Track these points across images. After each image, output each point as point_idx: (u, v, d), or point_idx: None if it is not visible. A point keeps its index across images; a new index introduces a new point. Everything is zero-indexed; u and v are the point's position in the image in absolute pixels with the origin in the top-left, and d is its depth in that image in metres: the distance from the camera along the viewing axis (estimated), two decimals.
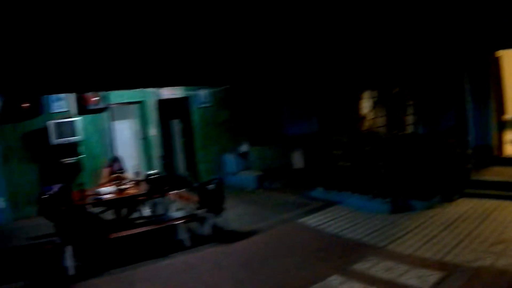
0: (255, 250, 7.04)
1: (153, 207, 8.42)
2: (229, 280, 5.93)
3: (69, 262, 6.54)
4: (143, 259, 6.87)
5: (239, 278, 5.96)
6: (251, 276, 5.99)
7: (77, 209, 6.97)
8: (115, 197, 7.48)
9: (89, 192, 7.71)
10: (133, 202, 8.12)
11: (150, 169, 10.14)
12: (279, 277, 5.86)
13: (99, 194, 7.40)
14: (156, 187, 7.51)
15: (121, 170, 8.49)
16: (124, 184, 7.76)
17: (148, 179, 7.61)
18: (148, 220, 8.23)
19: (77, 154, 10.53)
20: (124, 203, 8.04)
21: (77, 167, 10.53)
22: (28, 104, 10.28)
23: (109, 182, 8.00)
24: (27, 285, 6.45)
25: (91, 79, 8.94)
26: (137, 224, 8.20)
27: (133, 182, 8.01)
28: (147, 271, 6.54)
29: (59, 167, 10.32)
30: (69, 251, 6.55)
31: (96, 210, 8.07)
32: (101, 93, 10.57)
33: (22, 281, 6.55)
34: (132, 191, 7.48)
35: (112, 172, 8.38)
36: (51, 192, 7.46)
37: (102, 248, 7.14)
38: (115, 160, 8.77)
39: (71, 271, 6.51)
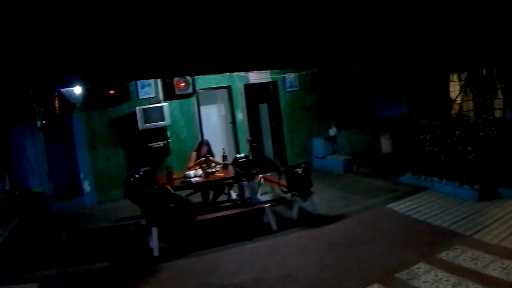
0: (341, 235, 7.41)
1: (240, 190, 9.24)
2: (315, 265, 6.26)
3: (155, 243, 7.30)
4: (229, 242, 7.49)
5: (324, 263, 6.31)
6: (336, 262, 6.31)
7: (163, 191, 7.50)
8: (202, 181, 8.36)
9: (176, 175, 8.62)
10: (220, 185, 9.09)
11: (238, 152, 10.71)
12: (365, 263, 6.13)
13: (186, 177, 8.26)
14: (244, 170, 8.17)
15: (209, 153, 9.35)
16: (211, 167, 8.72)
17: (236, 162, 8.47)
18: (235, 203, 9.21)
19: (164, 139, 11.63)
20: (211, 186, 9.03)
21: (164, 151, 11.68)
22: (114, 91, 11.49)
23: (197, 165, 9.00)
24: (113, 265, 7.18)
25: (178, 64, 9.46)
26: (223, 207, 9.24)
27: (221, 165, 8.92)
28: (233, 254, 7.05)
29: (147, 152, 11.49)
30: (154, 233, 7.28)
31: (184, 193, 8.69)
32: (189, 79, 11.73)
33: (108, 261, 7.30)
34: (219, 175, 8.32)
35: (200, 156, 9.33)
36: (138, 175, 8.24)
37: (188, 231, 7.93)
38: (203, 143, 9.61)
39: (156, 252, 7.27)
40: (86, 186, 11.66)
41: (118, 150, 11.84)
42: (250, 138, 11.69)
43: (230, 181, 8.86)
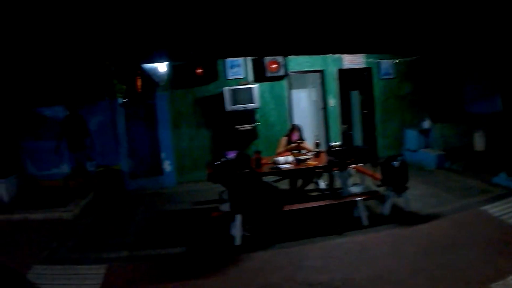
0: (435, 237, 7.21)
1: (331, 180, 9.20)
2: (407, 268, 6.10)
3: (238, 231, 7.31)
4: (315, 235, 7.44)
5: (417, 266, 6.14)
6: (429, 266, 6.11)
7: (254, 176, 7.59)
8: (292, 168, 8.36)
9: (265, 161, 8.70)
10: (311, 174, 9.18)
11: (330, 140, 10.77)
12: (458, 270, 5.93)
13: (276, 163, 8.32)
14: (337, 159, 8.15)
15: (300, 139, 9.34)
16: (303, 154, 8.74)
17: (330, 151, 8.46)
18: (325, 194, 9.22)
19: (253, 122, 11.82)
20: (301, 174, 9.12)
21: (252, 135, 11.87)
22: (202, 70, 11.77)
23: (287, 151, 9.02)
24: (189, 251, 7.32)
25: (271, 43, 9.55)
26: (313, 198, 9.29)
27: (312, 152, 8.91)
28: (319, 248, 6.97)
29: (233, 134, 11.71)
30: (238, 220, 7.31)
31: (271, 179, 8.85)
32: (280, 61, 11.85)
33: (184, 246, 7.46)
34: (312, 163, 8.31)
35: (290, 141, 9.34)
36: (227, 158, 8.27)
37: (273, 220, 7.95)
38: (295, 129, 9.56)
39: (238, 241, 7.30)
40: (167, 166, 12.08)
41: (202, 130, 12.14)
42: (346, 126, 11.68)
43: (322, 170, 8.86)
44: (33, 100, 12.02)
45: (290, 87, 12.59)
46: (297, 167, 8.26)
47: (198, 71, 11.67)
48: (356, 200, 7.91)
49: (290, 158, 8.43)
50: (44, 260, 7.18)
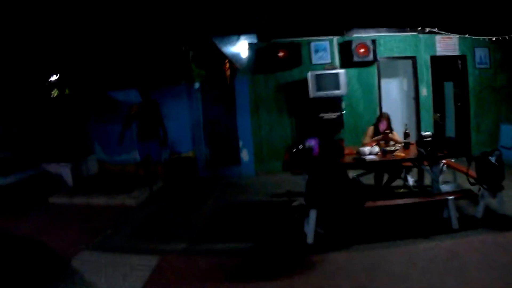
0: None
1: (420, 176, 9.08)
2: (500, 282, 5.61)
3: (310, 228, 7.09)
4: (398, 237, 7.13)
5: (510, 276, 5.72)
6: None
7: (333, 167, 7.18)
8: (378, 160, 8.07)
9: (349, 151, 8.54)
10: (399, 167, 9.00)
11: (420, 131, 10.38)
12: None
13: (360, 153, 8.12)
14: (428, 152, 7.83)
15: (389, 129, 9.09)
16: (390, 145, 8.52)
17: (420, 142, 7.98)
18: (413, 191, 9.04)
19: (338, 110, 11.54)
20: (388, 168, 8.95)
21: (337, 124, 11.62)
22: (284, 53, 11.72)
23: (374, 142, 8.80)
24: (255, 248, 7.17)
25: (358, 16, 9.21)
26: (399, 194, 9.07)
27: (401, 144, 8.68)
28: (402, 253, 6.61)
29: (316, 123, 11.51)
30: (313, 215, 7.05)
31: (354, 173, 8.85)
32: (369, 45, 11.63)
33: (251, 242, 7.35)
34: (399, 154, 8.06)
35: (377, 131, 9.10)
36: (306, 146, 8.04)
37: (352, 218, 7.64)
38: (383, 117, 9.27)
39: (310, 240, 7.09)
40: (245, 155, 12.16)
41: (283, 118, 12.14)
42: (439, 115, 11.28)
43: (411, 163, 8.76)
44: (107, 82, 12.58)
45: (380, 75, 12.33)
46: (383, 159, 7.91)
47: (281, 54, 11.64)
48: (447, 200, 7.43)
49: (376, 149, 8.19)
50: (95, 247, 7.41)
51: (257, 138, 12.13)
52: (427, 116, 12.50)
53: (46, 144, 12.18)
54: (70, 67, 12.58)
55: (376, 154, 8.06)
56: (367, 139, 9.06)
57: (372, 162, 7.95)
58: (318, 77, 11.23)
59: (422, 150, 7.75)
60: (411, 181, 9.48)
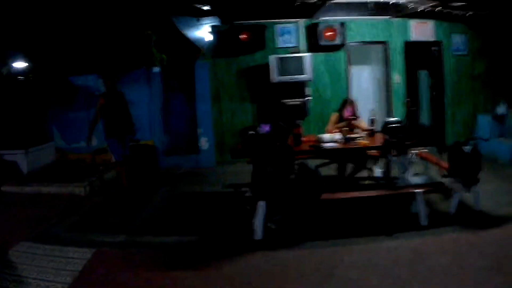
0: (510, 247, 5.90)
1: (386, 166, 8.30)
2: (471, 285, 4.89)
3: (258, 223, 6.26)
4: (358, 234, 6.30)
5: (486, 284, 4.86)
6: (503, 285, 4.86)
7: (285, 155, 6.39)
8: (338, 147, 7.26)
9: (308, 138, 7.79)
10: (362, 156, 8.20)
11: (390, 116, 9.63)
12: None
13: (319, 141, 7.37)
14: (396, 139, 6.97)
15: (354, 116, 8.37)
16: (354, 133, 7.75)
17: (386, 128, 7.12)
18: (378, 183, 8.24)
19: (302, 96, 10.85)
20: (351, 157, 8.17)
21: (301, 111, 10.93)
22: (247, 36, 11.00)
23: (337, 129, 7.99)
24: (198, 241, 6.51)
25: None
26: (363, 186, 8.29)
27: (367, 132, 7.89)
28: (361, 252, 5.79)
29: (279, 109, 10.79)
30: (261, 209, 6.25)
31: (315, 163, 7.93)
32: (337, 27, 10.88)
33: (196, 235, 6.70)
34: (362, 142, 7.24)
35: (342, 118, 8.36)
36: (260, 131, 7.29)
37: (307, 211, 6.79)
38: (347, 103, 8.55)
39: (259, 235, 6.28)
40: (204, 143, 11.45)
41: (246, 105, 11.48)
42: (408, 99, 10.60)
43: (375, 153, 7.97)
44: (67, 67, 11.77)
45: (350, 61, 11.55)
46: (344, 147, 7.09)
47: (243, 36, 10.89)
48: (415, 193, 6.55)
49: (338, 136, 7.34)
50: (36, 237, 6.87)
51: (218, 126, 11.46)
52: (399, 104, 11.79)
53: (2, 131, 11.33)
54: (31, 50, 11.64)
55: (337, 141, 7.18)
56: (330, 126, 8.32)
57: (332, 150, 7.14)
58: (281, 61, 10.56)
59: (388, 138, 6.83)
60: (378, 172, 8.64)
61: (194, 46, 12.12)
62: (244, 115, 11.45)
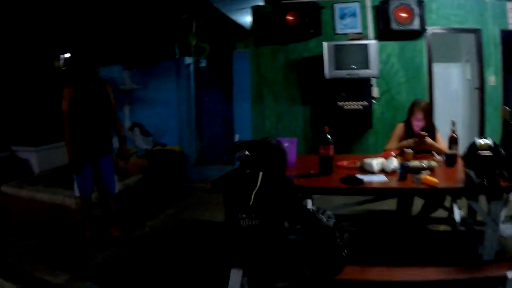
0: None
1: (470, 209, 5.41)
2: None
3: None
4: None
5: None
6: None
7: (277, 195, 3.54)
8: (385, 186, 4.46)
9: (346, 162, 5.21)
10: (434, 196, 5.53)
11: (481, 136, 6.97)
12: None
13: (363, 169, 4.83)
14: (485, 178, 4.04)
15: (427, 128, 5.69)
16: (420, 157, 5.10)
17: (471, 156, 4.18)
18: (458, 230, 5.51)
19: (366, 98, 8.25)
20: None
21: (363, 118, 8.36)
22: (295, 18, 8.59)
23: (400, 148, 5.48)
24: None
25: None
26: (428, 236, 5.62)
27: (442, 155, 5.24)
28: None
29: (335, 114, 8.33)
30: (235, 279, 3.56)
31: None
32: (414, 7, 8.12)
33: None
34: (430, 180, 4.29)
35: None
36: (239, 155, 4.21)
37: None
38: (417, 108, 5.80)
39: None
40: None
41: (295, 107, 9.14)
42: (506, 108, 7.99)
43: (452, 193, 5.24)
44: (94, 58, 10.20)
45: (431, 53, 8.79)
46: (397, 186, 4.40)
47: (291, 18, 8.44)
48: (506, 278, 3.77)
49: (394, 163, 4.71)
50: None
51: (259, 132, 9.15)
52: (495, 115, 8.81)
53: (20, 125, 10.51)
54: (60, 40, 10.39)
55: (388, 173, 4.62)
56: (391, 143, 5.78)
57: (375, 189, 4.52)
58: (337, 50, 8.03)
59: (474, 173, 4.06)
60: (458, 215, 5.73)
61: (240, 29, 10.30)
62: (293, 120, 9.12)
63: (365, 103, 8.20)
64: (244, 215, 3.44)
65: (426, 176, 4.27)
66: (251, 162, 3.77)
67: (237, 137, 9.24)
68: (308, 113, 9.05)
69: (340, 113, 8.19)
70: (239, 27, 10.64)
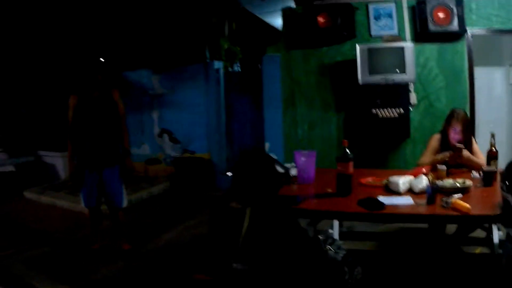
0: None
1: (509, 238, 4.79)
2: None
3: None
4: None
5: None
6: None
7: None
8: (414, 212, 3.99)
9: (371, 180, 4.79)
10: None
11: None
12: None
13: (388, 189, 4.42)
14: None
15: (465, 140, 5.26)
16: (455, 175, 4.65)
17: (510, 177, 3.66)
18: (497, 254, 4.71)
19: (403, 104, 7.65)
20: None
21: (400, 127, 7.77)
22: (326, 20, 8.06)
23: (435, 163, 4.98)
24: None
25: None
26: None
27: (478, 174, 4.76)
28: None
29: (369, 122, 7.82)
30: None
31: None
32: (453, 7, 7.49)
33: None
34: (461, 206, 3.76)
35: (445, 143, 5.27)
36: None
37: None
38: (456, 118, 5.34)
39: None
40: None
41: (329, 113, 8.53)
42: None
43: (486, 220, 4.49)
44: (120, 61, 10.32)
45: (472, 57, 8.11)
46: (423, 213, 3.93)
47: (321, 20, 7.92)
48: None
49: (424, 182, 4.21)
50: None
51: (291, 141, 8.65)
52: None
53: (47, 129, 10.70)
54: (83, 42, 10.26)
55: (418, 193, 4.16)
56: (425, 157, 5.29)
57: (393, 215, 4.03)
58: (371, 53, 7.48)
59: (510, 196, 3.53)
60: (496, 235, 4.76)
61: (271, 32, 9.88)
62: (326, 128, 8.53)
63: (402, 110, 7.62)
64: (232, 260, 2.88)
65: (457, 201, 3.76)
66: (236, 190, 3.07)
67: (267, 146, 8.88)
68: (342, 120, 8.51)
69: (375, 121, 7.66)
70: (270, 30, 10.21)
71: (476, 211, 3.68)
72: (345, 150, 4.23)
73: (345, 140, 4.28)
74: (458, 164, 5.10)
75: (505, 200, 3.58)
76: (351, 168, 4.25)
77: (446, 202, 3.76)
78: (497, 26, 8.00)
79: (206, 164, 9.60)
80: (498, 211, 3.66)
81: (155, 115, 10.27)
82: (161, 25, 9.79)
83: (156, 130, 10.25)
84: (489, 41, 8.67)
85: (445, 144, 5.29)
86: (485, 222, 4.61)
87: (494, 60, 9.07)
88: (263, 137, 9.06)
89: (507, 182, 3.55)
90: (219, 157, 9.79)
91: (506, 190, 3.57)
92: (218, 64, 9.77)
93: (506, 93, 9.09)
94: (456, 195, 3.91)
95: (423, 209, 3.85)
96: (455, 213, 3.66)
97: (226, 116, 9.92)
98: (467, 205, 3.64)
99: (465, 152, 5.01)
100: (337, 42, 8.34)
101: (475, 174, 4.84)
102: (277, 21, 9.92)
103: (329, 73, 8.47)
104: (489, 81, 9.04)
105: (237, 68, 10.11)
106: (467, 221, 4.26)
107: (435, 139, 5.46)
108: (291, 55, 8.66)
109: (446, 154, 5.08)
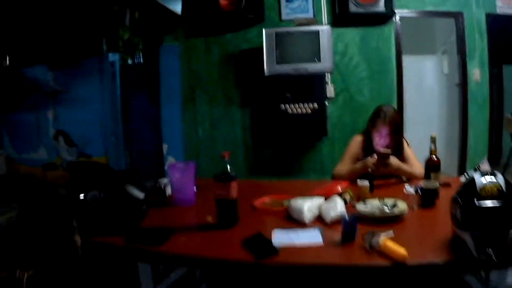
0: None
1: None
2: None
3: None
4: None
5: None
6: None
7: None
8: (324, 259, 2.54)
9: (263, 201, 3.43)
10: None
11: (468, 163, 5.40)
12: None
13: (293, 212, 2.99)
14: (491, 238, 2.17)
15: (395, 143, 3.99)
16: (389, 190, 3.48)
17: (467, 208, 2.21)
18: None
19: (317, 98, 6.46)
20: None
21: (315, 124, 6.58)
22: (231, 1, 6.87)
23: (356, 172, 3.84)
24: None
25: None
26: None
27: (417, 188, 3.32)
28: None
29: (278, 119, 6.66)
30: None
31: None
32: None
33: None
34: (396, 252, 2.28)
35: (369, 146, 4.07)
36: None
37: None
38: (382, 115, 4.11)
39: None
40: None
41: (233, 110, 7.39)
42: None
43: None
44: (20, 57, 9.14)
45: (401, 43, 7.03)
46: (334, 263, 2.42)
47: (224, 2, 6.66)
48: None
49: (338, 206, 2.82)
50: None
51: (191, 141, 7.56)
52: (481, 117, 7.19)
53: None
54: None
55: (329, 223, 2.76)
56: (343, 164, 4.05)
57: (289, 266, 2.46)
58: (280, 39, 6.20)
59: (470, 241, 2.11)
60: None
61: (170, 18, 8.53)
62: (230, 127, 7.37)
63: (317, 105, 6.40)
64: None
65: (387, 242, 2.28)
66: None
67: (165, 147, 7.67)
68: (248, 117, 7.34)
69: (285, 118, 6.44)
70: (170, 16, 8.86)
71: (415, 258, 2.23)
72: (227, 166, 2.90)
73: (227, 152, 2.92)
74: (388, 175, 3.85)
75: (459, 240, 2.25)
76: (234, 190, 2.87)
77: (371, 243, 2.31)
78: (431, 7, 6.93)
79: (103, 170, 8.24)
80: (448, 257, 2.25)
81: (50, 115, 8.83)
82: (58, 16, 8.34)
83: (52, 132, 8.83)
84: (421, 26, 7.75)
85: (369, 147, 4.03)
86: (429, 273, 3.13)
87: (425, 47, 8.15)
88: (161, 138, 7.91)
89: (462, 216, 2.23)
90: (117, 161, 8.38)
91: (460, 226, 2.24)
92: (113, 57, 8.33)
93: (438, 84, 8.16)
94: (385, 233, 2.43)
95: (335, 254, 2.42)
96: (384, 262, 2.21)
97: (124, 115, 8.47)
98: (402, 250, 2.19)
99: (394, 160, 3.75)
100: (243, 28, 7.08)
101: (409, 188, 3.55)
102: (179, 7, 8.81)
103: (234, 64, 7.26)
104: (419, 70, 8.13)
105: (136, 60, 8.66)
106: (402, 274, 2.74)
107: (356, 142, 4.23)
108: (191, 44, 7.44)
109: (370, 161, 3.75)
